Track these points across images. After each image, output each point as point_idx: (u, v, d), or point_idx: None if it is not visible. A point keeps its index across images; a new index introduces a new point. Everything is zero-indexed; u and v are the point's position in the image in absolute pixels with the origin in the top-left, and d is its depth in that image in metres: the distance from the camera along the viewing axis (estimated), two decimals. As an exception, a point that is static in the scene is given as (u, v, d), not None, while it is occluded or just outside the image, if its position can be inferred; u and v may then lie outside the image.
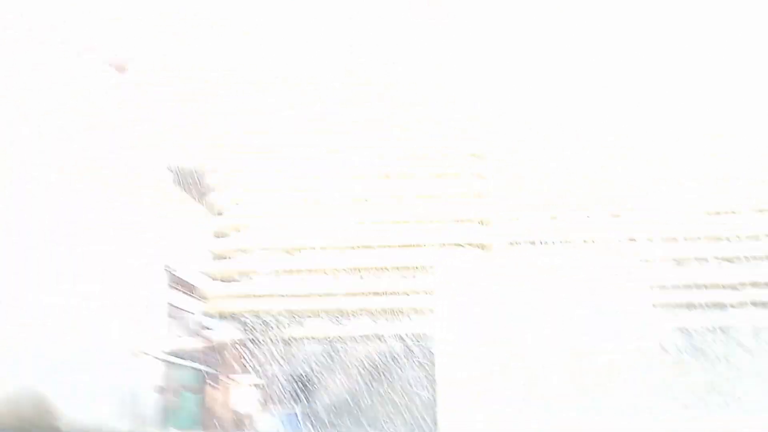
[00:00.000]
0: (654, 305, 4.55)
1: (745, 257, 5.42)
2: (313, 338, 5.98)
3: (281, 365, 6.25)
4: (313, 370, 6.19)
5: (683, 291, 5.15)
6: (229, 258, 5.86)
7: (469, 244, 5.07)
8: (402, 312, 5.32)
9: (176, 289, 8.59)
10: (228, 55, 6.11)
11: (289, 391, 6.35)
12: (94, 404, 6.18)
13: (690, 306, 5.11)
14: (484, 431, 2.92)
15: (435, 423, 3.01)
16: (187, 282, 8.18)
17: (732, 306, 5.27)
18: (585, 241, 4.90)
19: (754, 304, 5.33)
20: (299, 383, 6.31)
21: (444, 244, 5.15)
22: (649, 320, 3.38)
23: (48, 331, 5.82)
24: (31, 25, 5.89)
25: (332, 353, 6.19)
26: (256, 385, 6.33)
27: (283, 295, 5.70)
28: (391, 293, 5.33)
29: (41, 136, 6.03)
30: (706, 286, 5.26)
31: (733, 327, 5.26)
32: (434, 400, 3.08)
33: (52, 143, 6.15)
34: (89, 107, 6.50)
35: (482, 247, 5.02)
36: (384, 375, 5.80)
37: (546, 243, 4.93)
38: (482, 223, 5.24)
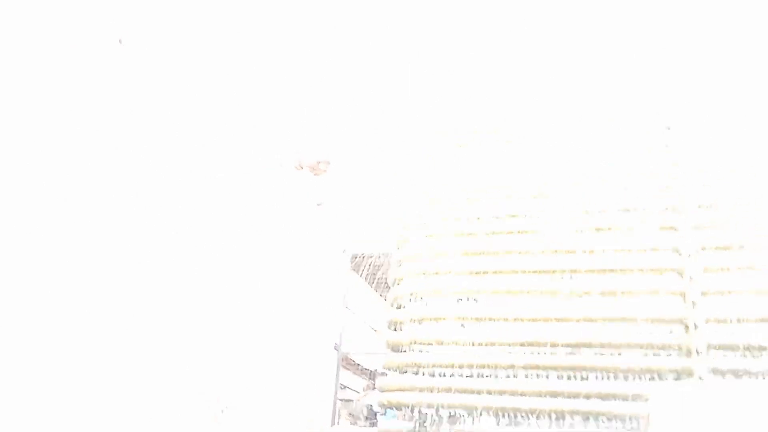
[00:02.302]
0: None
1: None
2: (486, 436, 5.83)
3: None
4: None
5: None
6: (406, 349, 5.92)
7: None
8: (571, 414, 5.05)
9: (346, 370, 8.89)
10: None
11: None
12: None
13: None
14: None
15: None
16: (360, 367, 8.43)
17: None
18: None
19: None
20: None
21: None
22: None
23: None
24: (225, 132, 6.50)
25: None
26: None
27: (459, 391, 5.62)
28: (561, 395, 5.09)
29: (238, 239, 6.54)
30: None
31: None
32: None
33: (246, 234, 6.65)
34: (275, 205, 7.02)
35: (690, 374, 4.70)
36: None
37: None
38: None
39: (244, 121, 6.83)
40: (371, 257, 10.34)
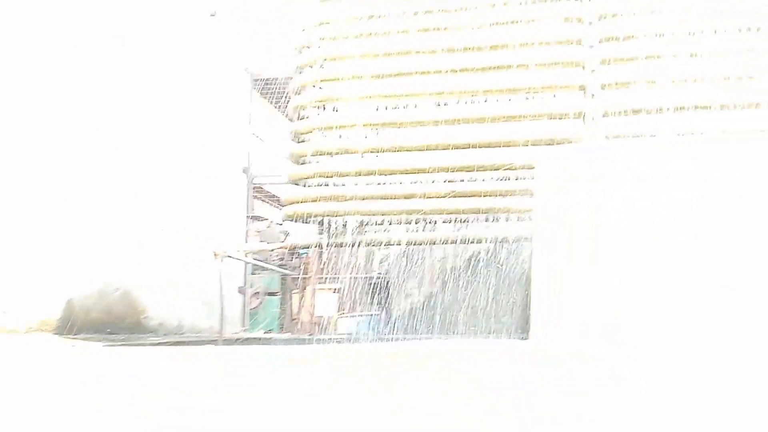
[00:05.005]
0: None
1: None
2: (393, 242, 5.93)
3: (362, 269, 6.28)
4: (394, 274, 6.21)
5: None
6: (309, 161, 5.76)
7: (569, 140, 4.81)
8: (491, 213, 5.13)
9: (256, 193, 8.75)
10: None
11: (369, 295, 6.42)
12: (177, 303, 6.40)
13: None
14: (578, 337, 2.74)
15: (525, 329, 2.86)
16: (267, 186, 8.32)
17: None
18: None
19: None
20: (379, 287, 6.36)
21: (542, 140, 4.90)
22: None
23: (133, 231, 5.96)
24: None
25: (413, 257, 6.16)
26: (336, 289, 6.42)
27: (364, 198, 5.59)
28: (481, 194, 5.14)
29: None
30: None
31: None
32: (527, 305, 2.91)
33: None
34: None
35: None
36: (467, 279, 5.75)
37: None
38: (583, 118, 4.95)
39: None
40: (279, 81, 9.87)
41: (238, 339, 5.90)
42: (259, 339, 6.03)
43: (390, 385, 2.17)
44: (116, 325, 5.63)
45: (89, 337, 4.82)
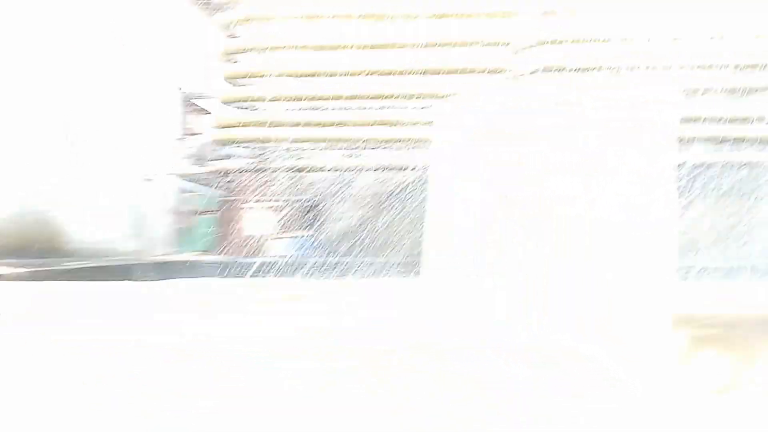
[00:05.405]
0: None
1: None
2: (323, 167, 5.95)
3: (293, 193, 6.30)
4: (323, 199, 6.27)
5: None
6: (241, 83, 5.64)
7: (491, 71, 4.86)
8: (411, 142, 5.21)
9: (189, 113, 8.48)
10: None
11: (301, 218, 6.47)
12: (102, 225, 6.26)
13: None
14: (469, 270, 2.86)
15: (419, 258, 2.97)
16: (200, 106, 8.04)
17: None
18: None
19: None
20: (309, 211, 6.41)
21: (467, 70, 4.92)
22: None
23: (54, 152, 5.76)
24: None
25: (342, 182, 6.21)
26: (269, 210, 6.42)
27: (295, 124, 5.56)
28: (403, 123, 5.19)
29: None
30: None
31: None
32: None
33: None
34: None
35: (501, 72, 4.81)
36: (392, 205, 5.88)
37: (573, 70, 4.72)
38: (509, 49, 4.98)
39: None
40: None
41: (165, 262, 5.88)
42: (185, 262, 6.03)
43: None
44: (34, 249, 5.46)
45: (6, 263, 4.68)
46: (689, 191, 5.16)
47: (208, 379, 2.32)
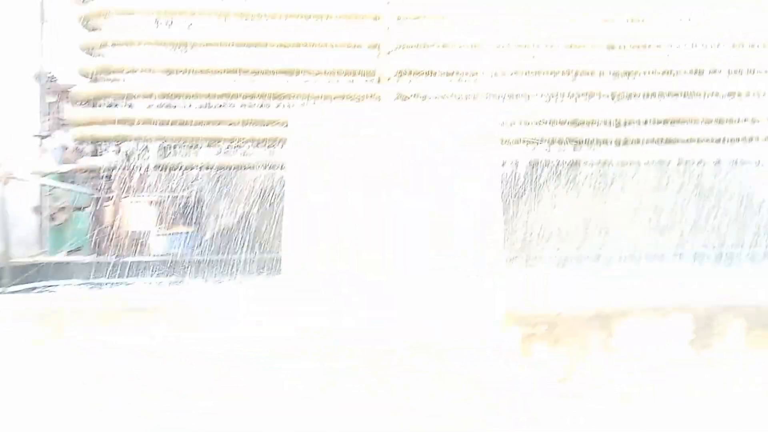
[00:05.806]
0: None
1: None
2: (195, 165, 5.82)
3: (168, 190, 6.12)
4: (201, 196, 6.14)
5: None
6: (101, 78, 5.38)
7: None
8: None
9: (52, 108, 7.99)
10: None
11: (179, 215, 6.31)
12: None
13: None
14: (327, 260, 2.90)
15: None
16: (63, 101, 7.55)
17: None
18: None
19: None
20: (187, 207, 6.26)
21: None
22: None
23: None
24: None
25: (219, 180, 6.10)
26: (149, 204, 6.22)
27: (162, 122, 5.38)
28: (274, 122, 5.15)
29: None
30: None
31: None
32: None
33: None
34: None
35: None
36: (269, 203, 5.84)
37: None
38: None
39: None
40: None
41: (33, 264, 5.59)
42: (53, 263, 5.76)
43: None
44: None
45: None
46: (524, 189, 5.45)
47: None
